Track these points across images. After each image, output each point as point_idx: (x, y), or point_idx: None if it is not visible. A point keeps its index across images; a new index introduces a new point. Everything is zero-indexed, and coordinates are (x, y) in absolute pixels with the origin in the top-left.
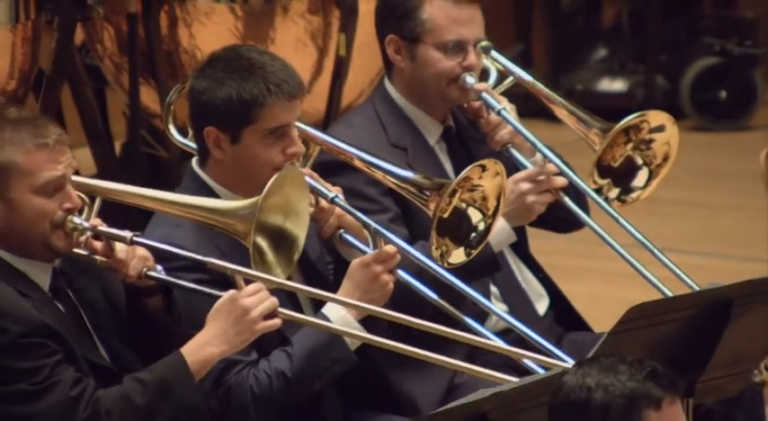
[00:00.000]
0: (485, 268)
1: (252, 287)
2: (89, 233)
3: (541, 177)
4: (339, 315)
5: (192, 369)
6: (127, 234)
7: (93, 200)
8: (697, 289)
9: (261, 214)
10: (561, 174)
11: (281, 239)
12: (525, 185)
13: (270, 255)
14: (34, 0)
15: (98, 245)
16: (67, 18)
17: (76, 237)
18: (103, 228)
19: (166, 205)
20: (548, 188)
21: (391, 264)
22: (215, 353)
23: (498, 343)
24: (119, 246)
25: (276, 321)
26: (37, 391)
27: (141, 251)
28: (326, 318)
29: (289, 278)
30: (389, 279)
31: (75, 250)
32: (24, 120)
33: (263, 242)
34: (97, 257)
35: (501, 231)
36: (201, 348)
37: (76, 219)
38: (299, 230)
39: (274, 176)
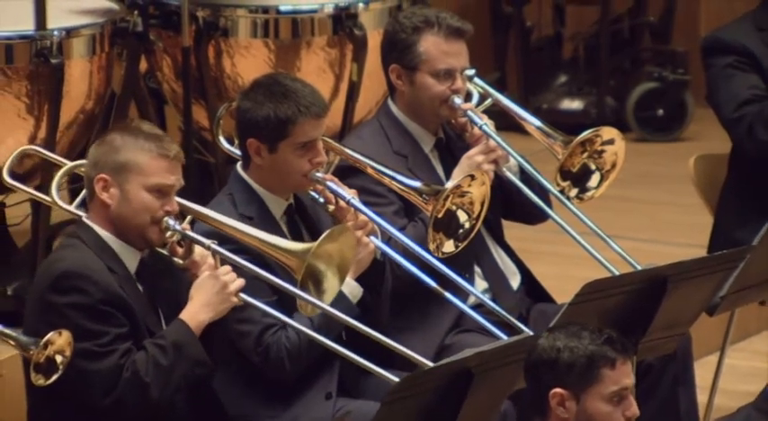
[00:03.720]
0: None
1: (226, 267)
2: (177, 236)
3: (488, 150)
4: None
5: (194, 332)
6: (206, 241)
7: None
8: (639, 268)
9: (313, 257)
10: (531, 175)
11: (318, 281)
12: (479, 157)
13: (312, 288)
14: (108, 37)
15: (179, 250)
16: (134, 51)
17: (167, 234)
18: (190, 232)
19: (241, 234)
20: (494, 158)
21: (368, 230)
22: (205, 319)
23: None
24: (196, 250)
25: (243, 297)
26: (100, 353)
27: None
28: None
29: None
30: (368, 241)
31: (160, 250)
32: (155, 135)
33: (309, 279)
34: (176, 259)
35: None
36: (195, 315)
37: (171, 221)
38: (338, 281)
39: (329, 230)
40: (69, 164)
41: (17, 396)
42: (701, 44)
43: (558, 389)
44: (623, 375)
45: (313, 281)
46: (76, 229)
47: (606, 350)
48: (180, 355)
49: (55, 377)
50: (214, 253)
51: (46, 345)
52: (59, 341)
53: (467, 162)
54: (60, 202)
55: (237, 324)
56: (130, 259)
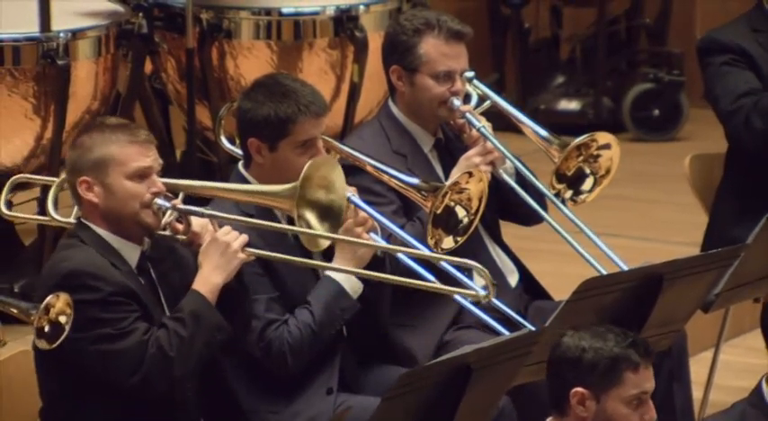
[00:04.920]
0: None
1: (225, 228)
2: (174, 214)
3: (485, 152)
4: (343, 274)
5: (208, 298)
6: (199, 209)
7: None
8: (624, 266)
9: (302, 192)
10: (525, 177)
11: (325, 210)
12: (477, 158)
13: (315, 223)
14: (113, 39)
15: (179, 227)
16: (139, 52)
17: (162, 215)
18: (181, 205)
19: (232, 193)
20: (491, 160)
21: (368, 226)
22: (218, 282)
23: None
24: (194, 222)
25: (253, 251)
26: (120, 334)
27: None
28: (332, 279)
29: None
30: (369, 237)
31: (161, 232)
32: (121, 125)
33: (309, 214)
34: (179, 236)
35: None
36: (207, 281)
37: (160, 201)
38: (340, 199)
39: (308, 163)
40: (57, 180)
41: (26, 394)
42: (697, 45)
43: (579, 388)
44: (645, 379)
45: (318, 210)
46: (76, 230)
47: (630, 353)
48: (198, 324)
49: (62, 337)
50: (210, 218)
51: (47, 309)
52: (59, 303)
53: (464, 163)
54: (58, 217)
55: (242, 319)
56: (131, 255)
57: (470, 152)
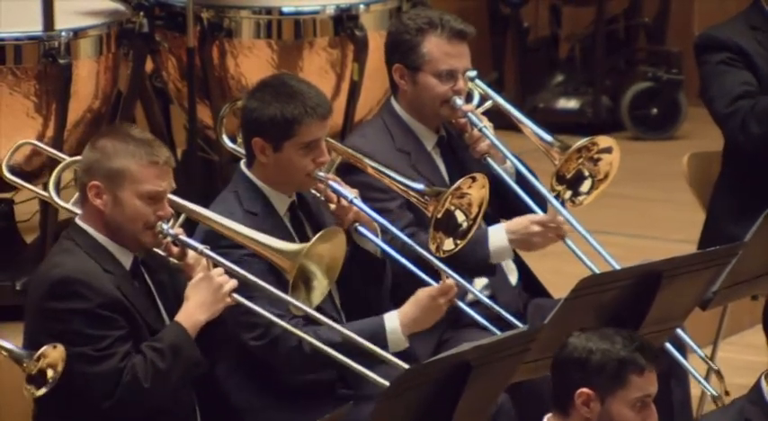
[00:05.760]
0: (482, 273)
1: (219, 269)
2: (171, 239)
3: (552, 225)
4: (395, 325)
5: (189, 333)
6: (199, 246)
7: (179, 215)
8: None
9: (304, 260)
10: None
11: (311, 285)
12: (536, 228)
13: (302, 290)
14: (114, 37)
15: (175, 250)
16: (140, 51)
17: (161, 239)
18: (183, 237)
19: (236, 234)
20: (555, 234)
21: (451, 297)
22: (201, 320)
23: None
24: (190, 253)
25: (236, 298)
26: (98, 357)
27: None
28: (384, 323)
29: None
30: (446, 309)
31: (156, 249)
32: (145, 140)
33: (299, 281)
34: (171, 259)
35: (503, 249)
36: (191, 316)
37: (164, 226)
38: (327, 281)
39: (322, 231)
40: (67, 159)
41: (23, 394)
42: (694, 41)
43: (585, 389)
44: (649, 383)
45: (303, 280)
46: (70, 232)
47: (637, 357)
48: (177, 358)
49: (44, 390)
50: (208, 258)
51: (39, 358)
52: (53, 354)
53: (524, 227)
54: (57, 199)
55: (245, 316)
56: (125, 257)
57: (536, 218)
